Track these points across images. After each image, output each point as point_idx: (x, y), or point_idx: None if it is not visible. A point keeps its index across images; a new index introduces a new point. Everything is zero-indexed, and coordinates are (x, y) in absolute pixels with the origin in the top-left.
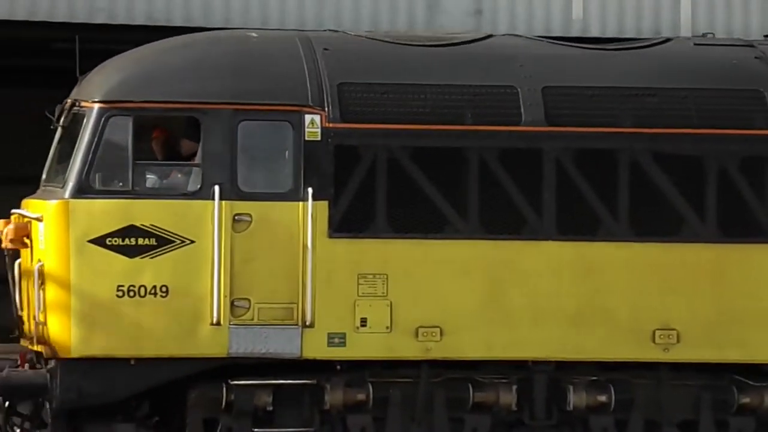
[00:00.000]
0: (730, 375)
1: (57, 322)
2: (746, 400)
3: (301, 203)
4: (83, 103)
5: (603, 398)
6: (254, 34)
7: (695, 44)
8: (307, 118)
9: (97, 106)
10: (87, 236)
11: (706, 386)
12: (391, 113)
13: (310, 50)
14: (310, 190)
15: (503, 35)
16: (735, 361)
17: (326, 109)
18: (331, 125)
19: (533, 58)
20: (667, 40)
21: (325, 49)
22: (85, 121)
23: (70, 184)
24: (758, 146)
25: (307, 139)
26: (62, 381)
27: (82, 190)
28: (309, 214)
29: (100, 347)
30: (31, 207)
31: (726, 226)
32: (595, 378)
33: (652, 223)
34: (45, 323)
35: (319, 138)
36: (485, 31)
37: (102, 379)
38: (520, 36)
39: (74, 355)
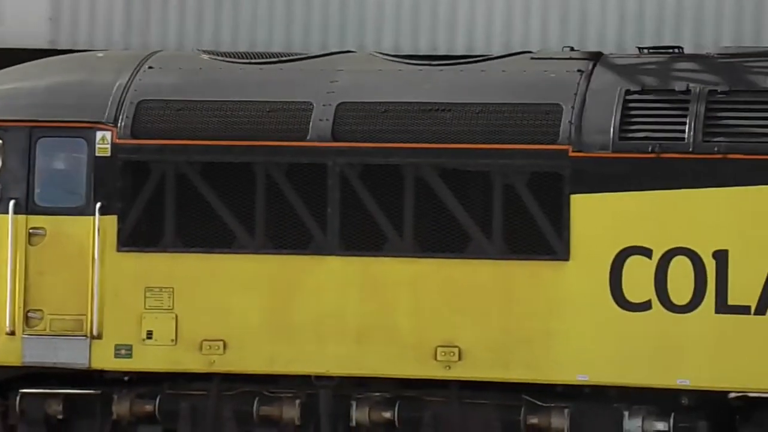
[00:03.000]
0: (521, 395)
1: None
2: (534, 420)
3: (91, 217)
4: None
5: (387, 415)
6: (100, 54)
7: (531, 58)
8: (99, 134)
9: None
10: None
11: (495, 406)
12: (182, 129)
13: (137, 69)
14: (98, 204)
15: (350, 51)
16: (521, 380)
17: (118, 125)
18: (120, 141)
19: (352, 75)
20: (516, 54)
21: (150, 67)
22: None
23: None
24: (548, 161)
25: (97, 154)
26: None
27: None
28: (96, 228)
29: None
30: None
31: (513, 243)
32: (379, 394)
33: (438, 239)
34: None
35: (109, 154)
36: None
37: None
38: (369, 53)
39: None
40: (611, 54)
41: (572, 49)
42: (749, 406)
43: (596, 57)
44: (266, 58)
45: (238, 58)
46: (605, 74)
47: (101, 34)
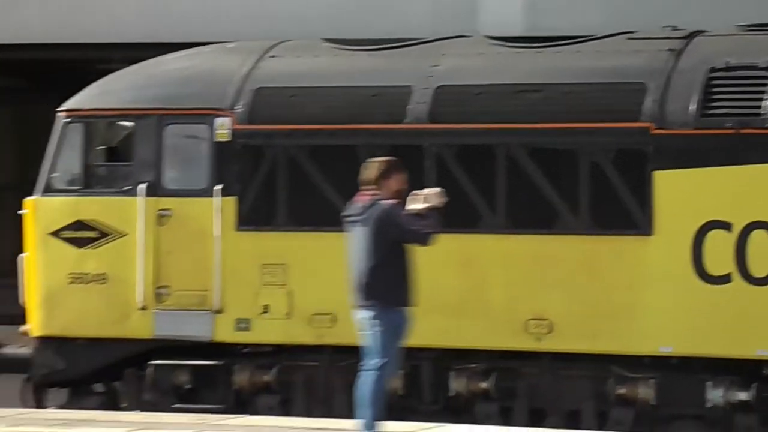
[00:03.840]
0: (610, 366)
1: (30, 304)
2: (622, 391)
3: (212, 199)
4: None
5: (484, 385)
6: (230, 45)
7: (628, 38)
8: (218, 120)
9: (60, 114)
10: (48, 229)
11: (585, 377)
12: (293, 114)
13: (260, 58)
14: (218, 187)
15: (459, 36)
16: (607, 352)
17: (236, 112)
18: (238, 127)
19: (454, 59)
20: (616, 34)
21: (272, 56)
22: (54, 128)
23: (40, 185)
24: (631, 138)
25: (217, 140)
26: (36, 357)
27: (46, 189)
28: (217, 209)
29: (57, 327)
30: None
31: (599, 219)
32: (475, 365)
33: (529, 215)
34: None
35: (228, 139)
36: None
37: (65, 356)
38: (475, 36)
39: (37, 334)
40: (707, 32)
41: (674, 28)
42: None
43: (691, 36)
44: (385, 45)
45: (357, 45)
46: (694, 53)
47: (578, 17)
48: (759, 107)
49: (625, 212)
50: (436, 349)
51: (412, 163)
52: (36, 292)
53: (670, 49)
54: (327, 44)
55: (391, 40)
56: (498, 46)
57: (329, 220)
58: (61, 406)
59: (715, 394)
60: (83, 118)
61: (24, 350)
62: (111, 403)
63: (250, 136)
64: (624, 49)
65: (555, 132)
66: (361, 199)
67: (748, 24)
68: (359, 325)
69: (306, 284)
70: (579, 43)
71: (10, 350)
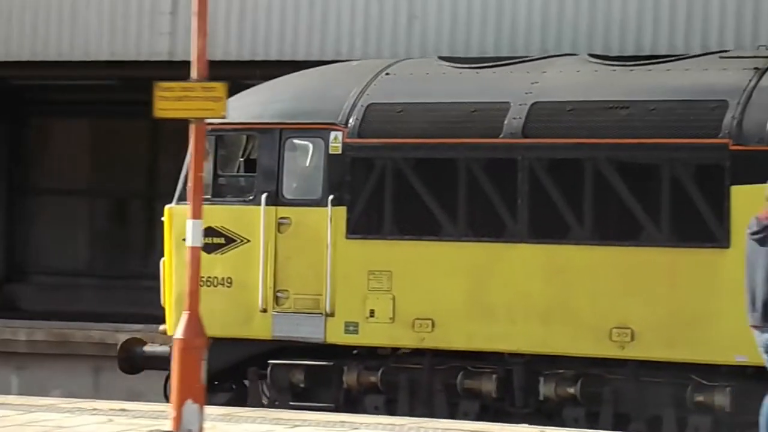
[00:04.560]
0: (689, 374)
1: (166, 305)
2: (700, 398)
3: (325, 209)
4: None
5: (572, 390)
6: (354, 63)
7: (719, 57)
8: (332, 134)
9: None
10: (181, 235)
11: (667, 384)
12: (399, 129)
13: (376, 76)
14: (330, 197)
15: (563, 55)
16: (685, 360)
17: (348, 126)
18: (349, 140)
19: (553, 76)
20: (709, 53)
21: (387, 74)
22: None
23: (176, 193)
24: (710, 154)
25: (330, 152)
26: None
27: (181, 198)
28: (329, 218)
29: None
30: None
31: (679, 231)
32: (562, 371)
33: (613, 227)
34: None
35: (340, 152)
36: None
37: None
38: (575, 55)
39: (170, 334)
40: None
41: None
42: None
43: None
44: (493, 62)
45: (468, 63)
46: None
47: None
48: None
49: (703, 225)
50: (527, 354)
51: (506, 176)
52: (171, 294)
53: (755, 68)
54: (440, 62)
55: (502, 58)
56: (596, 64)
57: (431, 229)
58: None
59: None
60: (214, 131)
61: (165, 348)
62: (239, 399)
63: (358, 149)
64: (712, 67)
65: (639, 147)
66: (762, 216)
67: None
68: (760, 348)
69: (409, 291)
70: (672, 61)
71: (152, 348)
